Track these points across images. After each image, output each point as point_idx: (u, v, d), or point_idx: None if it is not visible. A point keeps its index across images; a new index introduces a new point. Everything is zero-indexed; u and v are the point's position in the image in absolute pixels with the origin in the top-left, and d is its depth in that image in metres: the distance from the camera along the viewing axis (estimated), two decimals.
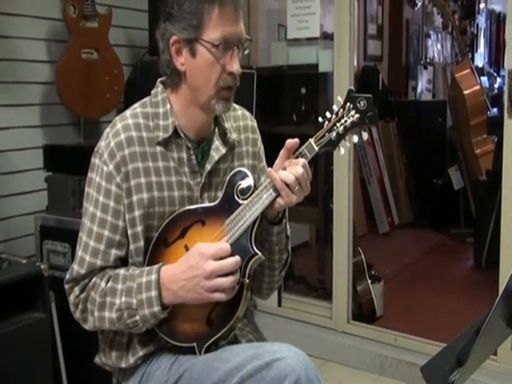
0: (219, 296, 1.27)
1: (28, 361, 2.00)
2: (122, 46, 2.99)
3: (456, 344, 1.20)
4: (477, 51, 7.25)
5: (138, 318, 1.31)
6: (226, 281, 1.26)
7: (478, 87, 4.56)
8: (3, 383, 1.93)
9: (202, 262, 1.26)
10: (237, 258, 1.28)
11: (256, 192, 1.31)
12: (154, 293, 1.29)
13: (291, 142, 1.30)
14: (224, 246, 1.29)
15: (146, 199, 1.36)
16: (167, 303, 1.31)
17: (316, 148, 1.30)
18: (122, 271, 1.35)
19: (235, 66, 1.33)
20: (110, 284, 1.34)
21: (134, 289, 1.31)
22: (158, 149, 1.38)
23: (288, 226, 1.46)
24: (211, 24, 1.30)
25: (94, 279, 1.36)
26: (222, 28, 1.30)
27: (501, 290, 1.15)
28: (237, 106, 1.53)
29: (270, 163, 1.37)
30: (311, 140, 1.30)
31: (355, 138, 1.30)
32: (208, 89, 1.34)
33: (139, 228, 1.36)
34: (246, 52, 1.37)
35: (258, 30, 3.42)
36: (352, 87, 1.32)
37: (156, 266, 1.33)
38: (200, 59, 1.33)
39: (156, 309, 1.30)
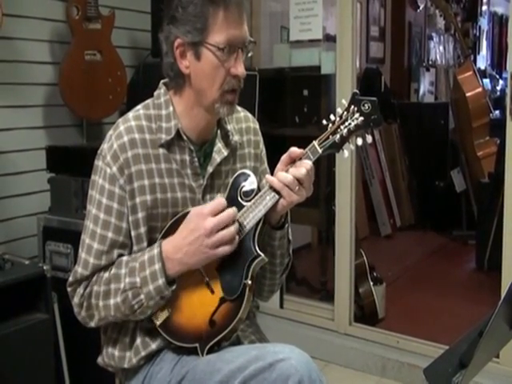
0: (223, 250, 1.28)
1: (30, 361, 2.00)
2: (125, 48, 3.00)
3: (459, 346, 1.20)
4: (479, 53, 7.25)
5: (142, 296, 1.30)
6: (227, 232, 1.27)
7: (480, 89, 4.56)
8: (6, 383, 1.94)
9: (201, 221, 1.28)
10: (233, 208, 1.29)
11: (259, 194, 1.32)
12: (157, 266, 1.29)
13: (296, 152, 1.30)
14: (218, 200, 1.31)
15: (149, 201, 1.36)
16: (172, 275, 1.31)
17: (320, 150, 1.30)
18: (124, 257, 1.36)
19: (240, 69, 1.33)
20: (113, 271, 1.34)
21: (137, 268, 1.31)
22: (161, 151, 1.38)
23: (290, 230, 1.46)
24: (216, 27, 1.30)
25: (96, 274, 1.36)
26: (227, 31, 1.30)
27: (503, 293, 1.15)
28: (239, 108, 1.52)
29: (273, 165, 1.37)
30: (315, 142, 1.30)
31: (359, 141, 1.30)
32: (212, 92, 1.34)
33: (143, 229, 1.36)
34: (249, 54, 1.37)
35: (260, 31, 3.43)
36: (357, 90, 1.32)
37: (157, 242, 1.33)
38: (205, 62, 1.33)
39: (160, 281, 1.29)
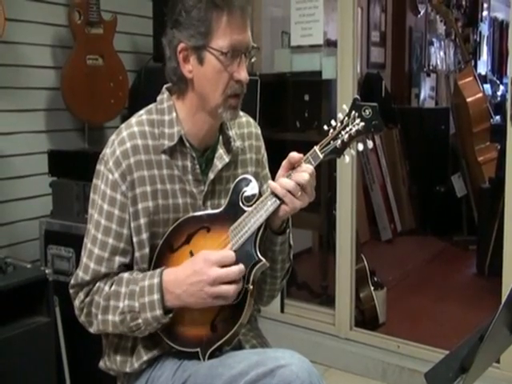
0: (222, 303, 1.29)
1: (32, 364, 2.00)
2: (127, 53, 3.01)
3: (459, 351, 1.20)
4: (480, 59, 7.26)
5: (140, 321, 1.31)
6: (230, 288, 1.27)
7: (480, 95, 4.57)
8: None
9: (207, 267, 1.27)
10: (241, 266, 1.28)
11: (261, 199, 1.32)
12: (156, 296, 1.30)
13: (295, 157, 1.31)
14: (229, 253, 1.30)
15: (151, 207, 1.36)
16: (170, 306, 1.31)
17: (321, 155, 1.30)
18: (125, 275, 1.36)
19: (243, 74, 1.34)
20: (113, 288, 1.34)
21: (137, 292, 1.31)
22: (163, 157, 1.38)
23: (291, 235, 1.46)
24: (220, 31, 1.30)
25: (97, 284, 1.36)
26: (231, 36, 1.30)
27: (504, 298, 1.15)
28: (241, 113, 1.52)
29: (274, 169, 1.38)
30: (316, 147, 1.31)
31: (360, 146, 1.31)
32: (215, 97, 1.34)
33: (144, 235, 1.36)
34: (252, 60, 1.38)
35: (261, 37, 3.43)
36: (358, 96, 1.33)
37: (158, 270, 1.33)
38: (208, 67, 1.33)
39: (158, 312, 1.30)
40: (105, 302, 1.34)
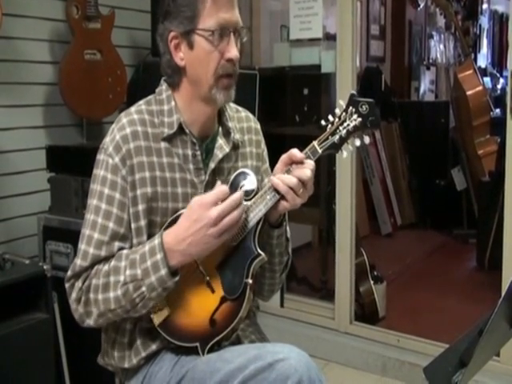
0: (227, 236, 1.27)
1: (31, 361, 2.00)
2: (125, 47, 2.99)
3: (459, 345, 1.20)
4: (479, 52, 7.24)
5: (144, 288, 1.27)
6: (231, 218, 1.25)
7: (480, 88, 4.56)
8: (6, 383, 1.94)
9: (205, 211, 1.25)
10: (236, 194, 1.27)
11: (260, 193, 1.32)
12: (159, 256, 1.27)
13: (296, 156, 1.30)
14: (221, 188, 1.28)
15: (149, 193, 1.35)
16: (174, 265, 1.28)
17: (319, 150, 1.30)
18: (124, 250, 1.34)
19: (233, 52, 1.33)
20: (112, 263, 1.31)
21: (138, 260, 1.29)
22: (163, 145, 1.38)
23: (288, 228, 1.46)
24: (205, 12, 1.31)
25: (96, 266, 1.33)
26: (217, 15, 1.31)
27: (503, 291, 1.15)
28: (240, 108, 1.53)
29: (273, 163, 1.37)
30: (315, 142, 1.31)
31: (357, 142, 1.32)
32: (207, 78, 1.34)
33: (143, 222, 1.35)
34: (244, 40, 1.38)
35: (260, 30, 3.42)
36: (354, 91, 1.33)
37: (158, 233, 1.31)
38: (198, 49, 1.34)
39: (163, 271, 1.26)
40: (104, 279, 1.30)
